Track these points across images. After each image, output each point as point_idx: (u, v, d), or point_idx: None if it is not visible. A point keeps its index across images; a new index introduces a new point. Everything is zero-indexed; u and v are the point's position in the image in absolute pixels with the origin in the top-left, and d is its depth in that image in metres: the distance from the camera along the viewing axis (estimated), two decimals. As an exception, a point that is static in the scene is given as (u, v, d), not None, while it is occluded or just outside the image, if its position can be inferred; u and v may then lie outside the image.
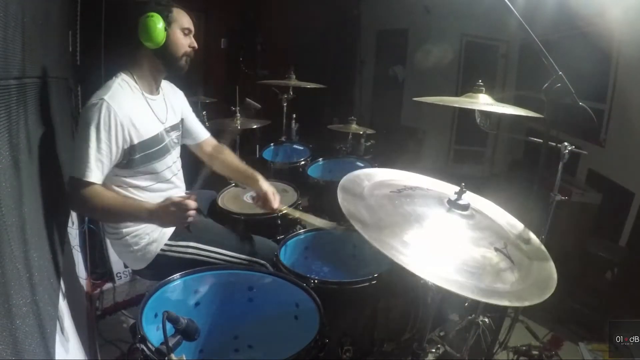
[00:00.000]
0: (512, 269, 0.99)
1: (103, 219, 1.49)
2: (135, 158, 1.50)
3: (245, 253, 1.64)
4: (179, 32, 1.55)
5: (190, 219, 1.36)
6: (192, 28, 1.60)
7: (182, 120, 1.78)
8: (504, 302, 0.88)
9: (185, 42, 1.57)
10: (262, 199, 1.75)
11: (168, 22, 1.50)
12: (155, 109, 1.60)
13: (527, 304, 0.89)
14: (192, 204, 1.34)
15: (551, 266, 1.07)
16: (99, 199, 1.36)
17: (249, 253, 1.64)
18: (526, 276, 0.99)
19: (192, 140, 1.89)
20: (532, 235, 1.20)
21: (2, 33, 0.81)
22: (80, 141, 1.37)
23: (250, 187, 1.85)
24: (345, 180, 1.20)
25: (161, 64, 1.57)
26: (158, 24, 1.47)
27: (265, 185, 1.75)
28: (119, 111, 1.41)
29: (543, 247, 1.16)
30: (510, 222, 1.25)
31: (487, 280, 0.93)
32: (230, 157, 1.90)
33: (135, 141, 1.47)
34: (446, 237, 1.05)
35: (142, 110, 1.53)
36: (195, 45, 1.61)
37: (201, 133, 1.90)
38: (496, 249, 1.03)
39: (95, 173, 1.36)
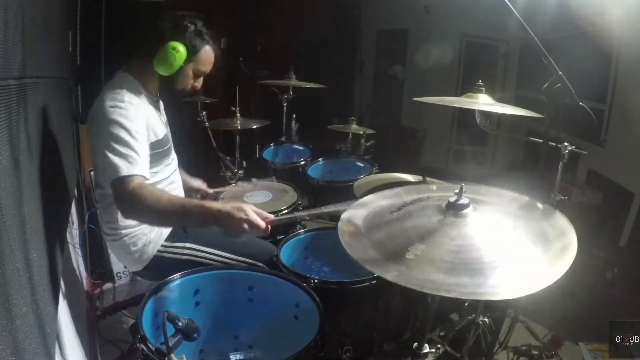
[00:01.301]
0: (533, 244, 0.98)
1: (161, 219, 1.32)
2: (150, 155, 1.48)
3: (242, 254, 1.64)
4: (192, 71, 1.52)
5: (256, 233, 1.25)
6: (208, 71, 1.57)
7: None
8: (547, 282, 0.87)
9: (190, 82, 1.55)
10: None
11: (188, 59, 1.47)
12: (159, 110, 1.63)
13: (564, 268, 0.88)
14: (264, 227, 1.23)
15: (561, 219, 1.07)
16: (156, 196, 1.25)
17: (246, 254, 1.64)
18: (547, 245, 0.98)
19: None
20: (537, 203, 1.18)
21: (2, 33, 0.81)
22: (110, 142, 1.31)
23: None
24: (341, 223, 1.15)
25: (160, 82, 1.56)
26: (178, 59, 1.44)
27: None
28: (140, 110, 1.42)
29: (548, 205, 1.16)
30: (513, 198, 1.23)
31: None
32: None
33: (152, 140, 1.49)
34: (462, 241, 1.01)
35: (152, 112, 1.55)
36: (199, 87, 1.58)
37: None
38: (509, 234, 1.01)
39: (142, 167, 1.31)
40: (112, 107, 1.36)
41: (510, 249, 0.99)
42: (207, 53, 1.53)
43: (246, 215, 1.21)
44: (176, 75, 1.49)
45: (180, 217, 1.30)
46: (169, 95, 1.64)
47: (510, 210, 1.14)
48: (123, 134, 1.32)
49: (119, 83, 1.46)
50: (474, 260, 0.94)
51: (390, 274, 0.92)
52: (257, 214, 1.23)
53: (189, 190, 1.87)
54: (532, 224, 1.07)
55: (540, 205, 1.17)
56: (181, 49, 1.44)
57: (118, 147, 1.30)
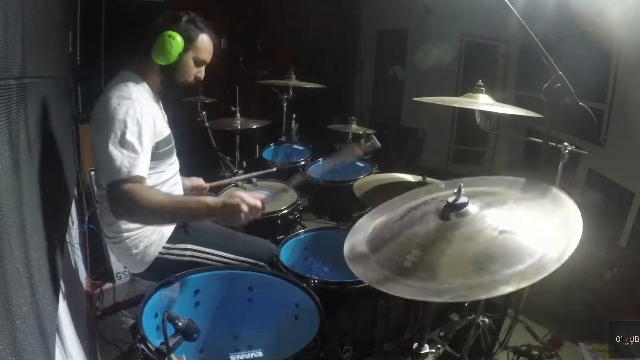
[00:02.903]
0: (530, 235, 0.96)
1: (156, 218, 1.38)
2: (155, 153, 1.49)
3: (244, 254, 1.64)
4: (192, 60, 1.52)
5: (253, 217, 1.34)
6: (209, 60, 1.57)
7: None
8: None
9: (192, 72, 1.55)
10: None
11: (186, 48, 1.48)
12: (161, 108, 1.62)
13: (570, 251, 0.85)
14: (261, 206, 1.32)
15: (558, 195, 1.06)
16: (150, 196, 1.29)
17: (247, 254, 1.64)
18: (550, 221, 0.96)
19: None
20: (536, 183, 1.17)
21: (2, 33, 0.81)
22: (115, 141, 1.31)
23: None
24: (347, 251, 1.13)
25: (162, 77, 1.57)
26: (175, 46, 1.44)
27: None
28: (146, 109, 1.41)
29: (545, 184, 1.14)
30: (509, 181, 1.22)
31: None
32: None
33: (158, 139, 1.49)
34: (465, 244, 1.00)
35: (157, 111, 1.54)
36: (202, 77, 1.59)
37: None
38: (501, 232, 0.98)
39: (142, 168, 1.32)
40: (119, 104, 1.36)
41: (506, 246, 0.97)
42: (204, 41, 1.53)
43: (241, 198, 1.29)
44: (177, 66, 1.49)
45: (178, 213, 1.38)
46: (174, 90, 1.64)
47: (510, 197, 1.12)
48: (128, 134, 1.32)
49: (124, 80, 1.46)
50: (469, 261, 0.93)
51: (387, 286, 0.92)
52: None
53: (186, 190, 1.88)
54: (534, 206, 1.05)
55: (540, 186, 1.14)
56: (178, 37, 1.45)
57: (122, 147, 1.30)
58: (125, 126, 1.32)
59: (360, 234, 1.18)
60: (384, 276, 0.96)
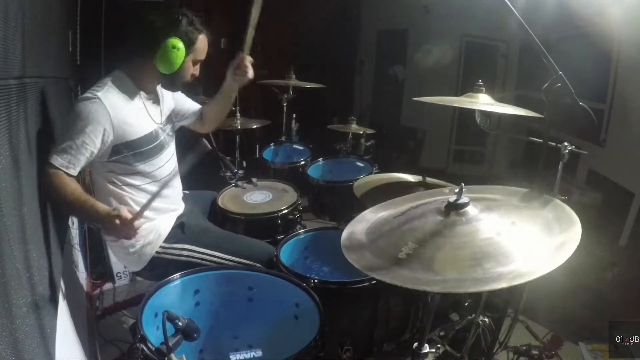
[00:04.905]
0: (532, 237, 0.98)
1: (61, 207, 1.43)
2: (127, 155, 1.50)
3: (240, 256, 1.64)
4: (191, 62, 1.55)
5: (130, 237, 1.36)
6: (204, 58, 1.60)
7: (172, 110, 1.78)
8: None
9: (190, 72, 1.58)
10: (237, 66, 1.78)
11: (187, 52, 1.50)
12: (150, 107, 1.61)
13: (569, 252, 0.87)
14: (135, 224, 1.31)
15: (559, 205, 1.07)
16: (61, 187, 1.31)
17: (244, 256, 1.64)
18: (550, 232, 0.97)
19: (193, 117, 1.91)
20: (535, 193, 1.18)
21: (2, 33, 0.82)
22: (64, 132, 1.38)
23: (232, 86, 1.83)
24: (344, 239, 1.16)
25: (161, 79, 1.58)
26: (180, 55, 1.46)
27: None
28: (111, 109, 1.41)
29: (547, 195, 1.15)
30: (510, 191, 1.23)
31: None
32: (211, 103, 1.95)
33: (127, 139, 1.48)
34: (463, 243, 1.00)
35: (137, 109, 1.54)
36: (197, 74, 1.61)
37: (196, 107, 1.92)
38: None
39: (64, 161, 1.34)
40: (81, 99, 1.41)
41: (507, 245, 0.98)
42: (203, 41, 1.56)
43: (118, 215, 1.29)
44: (178, 69, 1.51)
45: (73, 210, 1.45)
46: (173, 89, 1.66)
47: (511, 204, 1.13)
48: (71, 128, 1.37)
49: (109, 79, 1.48)
50: (466, 257, 0.94)
51: (378, 273, 0.93)
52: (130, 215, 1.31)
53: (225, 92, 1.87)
54: (534, 216, 1.06)
55: (541, 195, 1.16)
56: (181, 45, 1.46)
57: (65, 136, 1.36)
58: (74, 119, 1.37)
59: (361, 225, 1.20)
60: (376, 264, 0.98)
